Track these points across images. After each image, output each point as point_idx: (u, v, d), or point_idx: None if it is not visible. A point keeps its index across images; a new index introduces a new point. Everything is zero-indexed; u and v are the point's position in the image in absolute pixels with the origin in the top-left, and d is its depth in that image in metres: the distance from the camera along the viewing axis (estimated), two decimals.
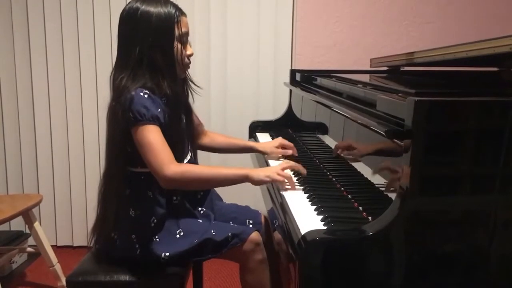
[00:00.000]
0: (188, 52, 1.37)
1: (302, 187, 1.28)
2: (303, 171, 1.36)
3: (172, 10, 1.31)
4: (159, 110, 1.28)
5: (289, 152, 1.61)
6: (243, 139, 1.78)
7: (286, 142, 1.64)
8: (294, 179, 1.34)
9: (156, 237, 1.34)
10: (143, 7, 1.29)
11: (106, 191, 1.37)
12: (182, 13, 1.34)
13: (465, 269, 0.93)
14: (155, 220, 1.34)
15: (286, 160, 1.50)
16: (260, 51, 2.52)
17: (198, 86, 1.48)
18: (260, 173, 1.28)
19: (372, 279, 0.89)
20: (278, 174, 1.28)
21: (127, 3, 1.35)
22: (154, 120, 1.26)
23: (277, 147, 1.63)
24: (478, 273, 0.93)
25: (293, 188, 1.29)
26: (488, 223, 0.91)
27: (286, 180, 1.29)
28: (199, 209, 1.47)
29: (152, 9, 1.29)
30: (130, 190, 1.35)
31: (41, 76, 2.58)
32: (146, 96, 1.26)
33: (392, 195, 0.93)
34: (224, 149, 1.69)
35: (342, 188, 1.26)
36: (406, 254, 0.89)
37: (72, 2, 2.50)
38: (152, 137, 1.24)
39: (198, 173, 1.29)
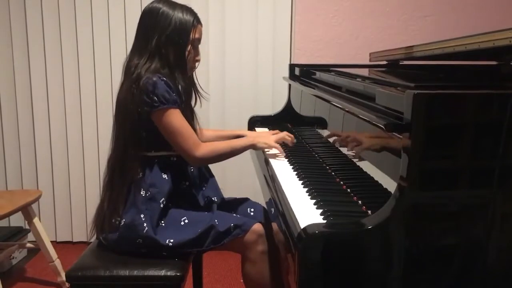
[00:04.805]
0: (197, 57, 1.49)
1: (300, 179, 1.29)
2: (293, 140, 1.57)
3: (191, 18, 1.43)
4: (175, 94, 1.38)
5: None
6: (233, 130, 1.83)
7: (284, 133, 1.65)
8: (294, 173, 1.37)
9: (162, 222, 1.38)
10: (165, 8, 1.40)
11: (114, 177, 1.42)
12: (199, 22, 1.47)
13: (463, 262, 0.93)
14: (164, 202, 1.38)
15: (277, 133, 1.62)
16: (259, 46, 2.51)
17: (204, 92, 1.58)
18: (260, 140, 1.52)
19: (371, 272, 0.89)
20: (275, 142, 1.52)
21: (151, 1, 1.43)
22: (175, 104, 1.37)
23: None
24: (476, 267, 0.93)
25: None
26: (487, 217, 0.91)
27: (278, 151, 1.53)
28: (205, 196, 1.50)
29: (172, 12, 1.40)
30: (143, 173, 1.40)
31: (39, 72, 2.58)
32: (163, 82, 1.34)
33: (392, 189, 0.93)
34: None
35: (342, 182, 1.26)
36: (405, 248, 0.89)
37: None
38: (179, 122, 1.37)
39: (219, 148, 1.46)
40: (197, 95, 1.55)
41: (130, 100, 1.36)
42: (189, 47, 1.43)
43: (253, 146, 1.51)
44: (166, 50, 1.40)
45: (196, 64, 1.51)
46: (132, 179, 1.39)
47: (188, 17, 1.42)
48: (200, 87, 1.56)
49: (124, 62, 1.44)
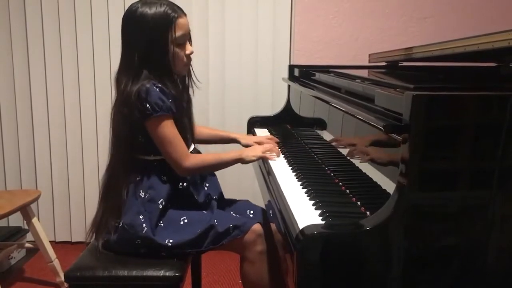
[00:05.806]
0: (187, 52, 1.42)
1: (299, 180, 1.29)
2: (279, 154, 1.55)
3: (169, 12, 1.35)
4: (170, 100, 1.36)
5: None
6: (228, 131, 1.85)
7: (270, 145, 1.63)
8: (293, 174, 1.37)
9: (161, 222, 1.38)
10: (141, 10, 1.34)
11: (112, 182, 1.42)
12: (180, 15, 1.37)
13: (463, 263, 0.93)
14: (163, 203, 1.38)
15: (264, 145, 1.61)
16: (258, 46, 2.51)
17: (198, 81, 1.55)
18: (248, 154, 1.47)
19: (370, 272, 0.89)
20: (263, 153, 1.50)
21: (130, 5, 1.39)
22: (169, 111, 1.35)
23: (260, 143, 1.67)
24: (476, 267, 0.93)
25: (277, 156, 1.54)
26: (486, 218, 0.91)
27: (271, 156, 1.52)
28: (206, 194, 1.50)
29: (149, 11, 1.34)
30: (142, 177, 1.40)
31: (39, 72, 2.57)
32: (157, 89, 1.33)
33: (390, 190, 0.93)
34: (210, 141, 1.77)
35: (340, 183, 1.26)
36: (404, 248, 0.89)
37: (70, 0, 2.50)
38: (169, 131, 1.36)
39: (207, 161, 1.46)
40: (191, 83, 1.53)
41: (122, 114, 1.36)
42: (171, 50, 1.36)
43: (241, 160, 1.47)
44: (151, 61, 1.36)
45: (188, 58, 1.44)
46: (130, 182, 1.39)
47: (165, 13, 1.34)
48: (195, 75, 1.53)
49: (115, 75, 1.42)
